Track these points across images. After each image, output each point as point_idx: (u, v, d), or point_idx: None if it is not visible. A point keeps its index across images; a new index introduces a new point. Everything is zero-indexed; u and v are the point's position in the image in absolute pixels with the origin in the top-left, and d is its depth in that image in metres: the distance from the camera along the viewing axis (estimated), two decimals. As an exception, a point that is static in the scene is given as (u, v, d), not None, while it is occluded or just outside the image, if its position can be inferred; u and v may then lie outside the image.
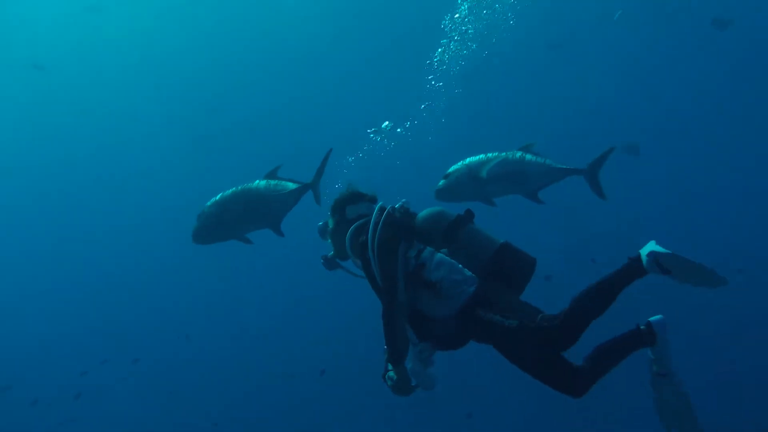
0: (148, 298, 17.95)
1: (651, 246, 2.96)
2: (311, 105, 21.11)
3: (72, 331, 17.01)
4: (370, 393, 12.76)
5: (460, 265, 3.02)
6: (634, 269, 2.97)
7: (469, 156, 6.55)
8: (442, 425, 12.45)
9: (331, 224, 3.50)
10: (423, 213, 3.26)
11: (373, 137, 9.06)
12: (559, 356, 2.93)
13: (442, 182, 6.53)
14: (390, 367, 3.04)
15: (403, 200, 3.35)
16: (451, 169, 6.54)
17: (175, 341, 15.26)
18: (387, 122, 10.24)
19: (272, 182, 6.57)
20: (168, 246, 15.50)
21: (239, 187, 6.58)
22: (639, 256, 2.98)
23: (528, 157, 6.45)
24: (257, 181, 6.61)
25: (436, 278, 2.97)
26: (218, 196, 6.59)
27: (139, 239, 19.82)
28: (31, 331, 17.52)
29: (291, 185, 6.59)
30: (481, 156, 6.49)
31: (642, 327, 2.99)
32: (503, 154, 6.45)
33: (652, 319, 2.98)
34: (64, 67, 21.95)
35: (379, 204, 3.25)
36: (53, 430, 13.08)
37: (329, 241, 3.55)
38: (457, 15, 10.17)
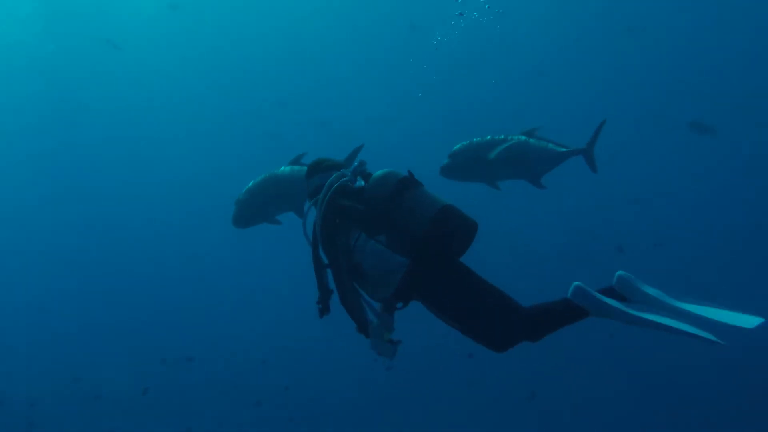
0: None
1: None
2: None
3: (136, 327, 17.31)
4: (431, 375, 13.00)
5: (389, 252, 3.05)
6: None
7: (476, 137, 6.64)
8: (504, 406, 12.48)
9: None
10: (375, 174, 3.24)
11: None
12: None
13: (447, 160, 6.62)
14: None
15: (357, 163, 3.41)
16: (457, 147, 6.61)
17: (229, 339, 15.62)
18: None
19: (296, 168, 6.80)
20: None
21: (268, 174, 6.89)
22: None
23: (532, 141, 6.53)
24: (282, 168, 6.86)
25: (367, 268, 3.09)
26: (251, 183, 6.95)
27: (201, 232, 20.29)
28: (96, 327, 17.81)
29: None
30: (487, 137, 6.55)
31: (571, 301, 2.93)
32: (509, 137, 6.51)
33: (570, 295, 2.90)
34: (144, 61, 23.24)
35: (331, 178, 3.29)
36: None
37: None
38: None
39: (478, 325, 2.95)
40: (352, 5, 23.31)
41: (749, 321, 2.68)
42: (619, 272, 2.95)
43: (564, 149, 6.59)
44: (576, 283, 2.89)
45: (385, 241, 3.08)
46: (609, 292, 2.95)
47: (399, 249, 3.03)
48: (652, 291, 2.90)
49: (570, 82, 20.18)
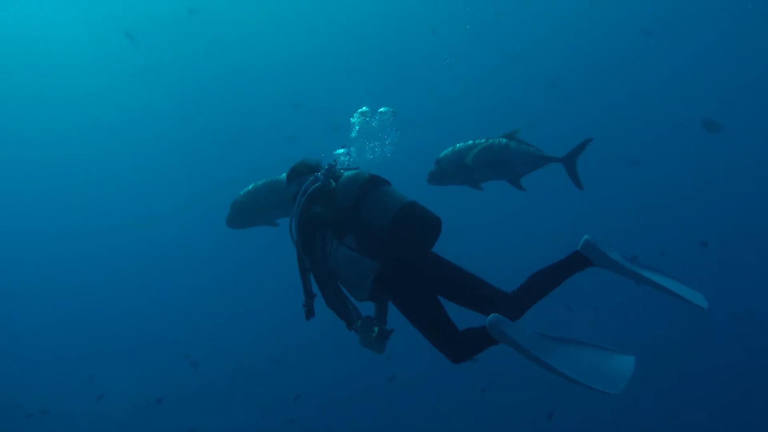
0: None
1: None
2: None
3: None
4: (441, 395, 12.79)
5: (359, 256, 3.10)
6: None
7: (459, 142, 6.80)
8: (522, 425, 12.38)
9: None
10: (343, 176, 3.34)
11: None
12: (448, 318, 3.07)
13: (433, 168, 6.80)
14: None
15: (328, 164, 3.49)
16: (442, 154, 6.77)
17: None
18: None
19: None
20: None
21: (269, 179, 7.01)
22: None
23: (512, 144, 6.62)
24: (283, 174, 6.66)
25: (340, 273, 3.21)
26: (250, 186, 7.07)
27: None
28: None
29: None
30: (469, 142, 6.71)
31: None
32: (489, 140, 6.65)
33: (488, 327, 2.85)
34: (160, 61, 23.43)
35: (305, 184, 3.37)
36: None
37: None
38: None
39: (436, 331, 3.00)
40: (370, 10, 23.28)
41: (703, 300, 2.82)
42: (586, 236, 3.02)
43: (542, 154, 6.68)
44: (491, 316, 2.83)
45: (355, 244, 3.14)
46: (575, 257, 3.03)
47: (367, 251, 3.09)
48: (616, 256, 2.98)
49: (583, 89, 20.04)
